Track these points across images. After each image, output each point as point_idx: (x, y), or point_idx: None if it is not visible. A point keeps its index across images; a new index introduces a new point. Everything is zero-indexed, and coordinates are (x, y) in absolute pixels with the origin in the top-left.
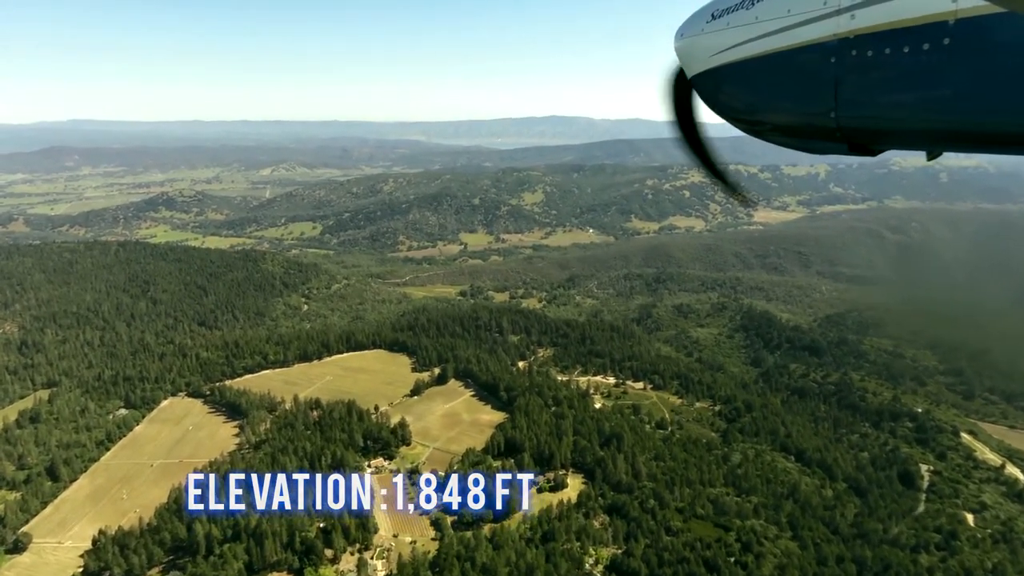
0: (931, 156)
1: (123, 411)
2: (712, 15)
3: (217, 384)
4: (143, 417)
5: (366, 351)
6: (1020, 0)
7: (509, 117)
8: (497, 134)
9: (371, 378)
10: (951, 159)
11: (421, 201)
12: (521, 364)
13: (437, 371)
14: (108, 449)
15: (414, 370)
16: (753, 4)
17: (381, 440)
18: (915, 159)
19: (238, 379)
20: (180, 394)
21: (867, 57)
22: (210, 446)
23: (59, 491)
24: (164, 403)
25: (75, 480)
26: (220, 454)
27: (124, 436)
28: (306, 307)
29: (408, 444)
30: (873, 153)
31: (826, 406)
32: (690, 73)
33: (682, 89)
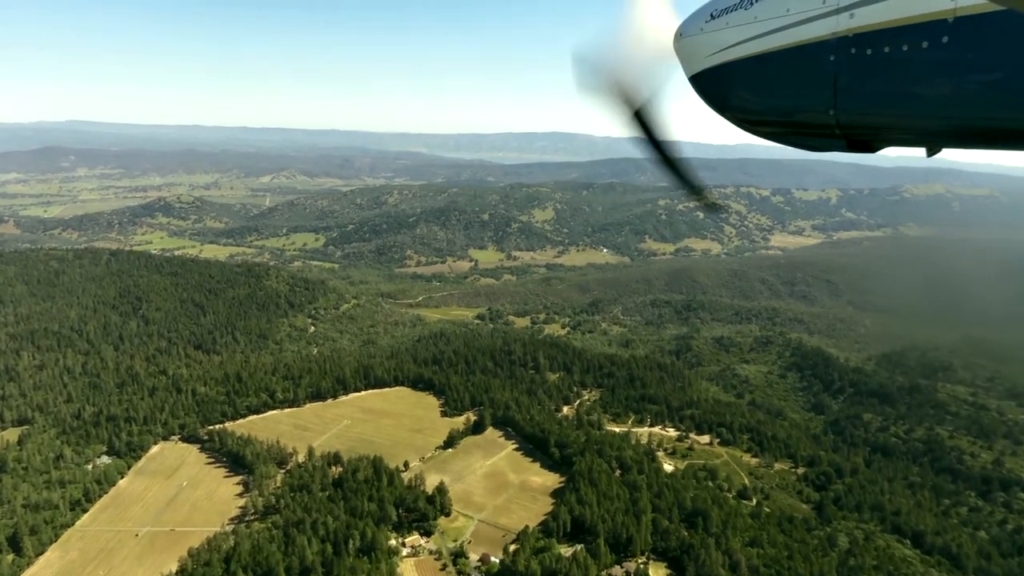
0: (930, 152)
1: (105, 459)
2: (711, 15)
3: (217, 427)
4: (128, 468)
5: (387, 388)
6: None
7: (510, 132)
8: (499, 148)
9: (395, 424)
10: (962, 188)
11: (428, 215)
12: (566, 409)
13: (472, 418)
14: (85, 511)
15: (444, 414)
16: (752, 4)
17: (416, 511)
18: (926, 187)
19: (241, 420)
20: (173, 438)
21: (866, 55)
22: (208, 509)
23: (21, 569)
24: (154, 449)
25: (42, 554)
26: (221, 525)
27: (105, 492)
28: (313, 329)
29: (448, 515)
30: (872, 150)
31: (919, 469)
32: (689, 73)
33: (640, 111)
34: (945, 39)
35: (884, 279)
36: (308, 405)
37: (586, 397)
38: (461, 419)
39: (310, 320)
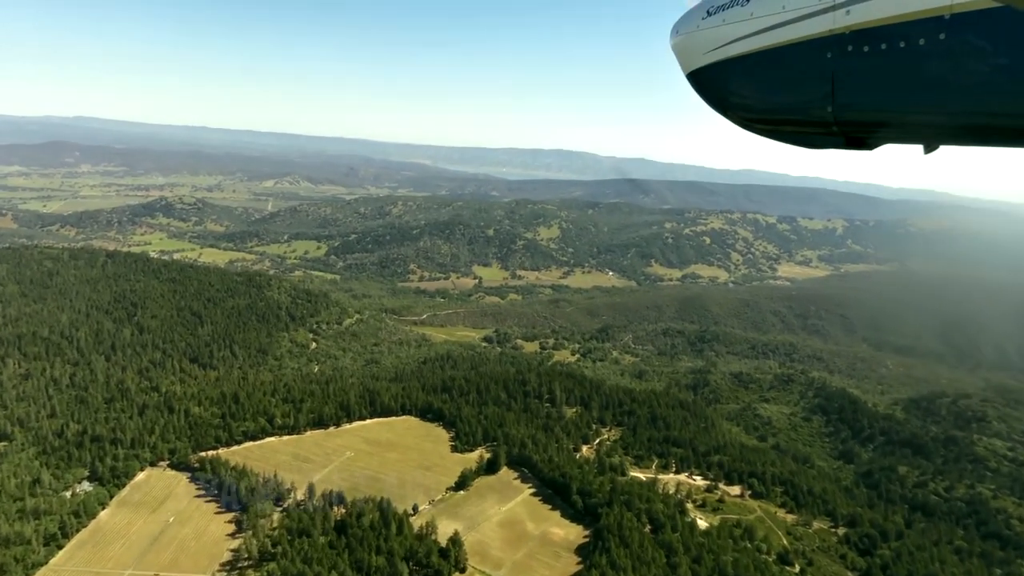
0: (928, 150)
1: (87, 485)
2: (707, 12)
3: (209, 453)
4: (111, 497)
5: (393, 418)
6: None
7: (515, 147)
8: (503, 163)
9: (402, 458)
10: (973, 224)
11: (432, 228)
12: (585, 449)
13: (486, 455)
14: (61, 547)
15: (454, 449)
16: (748, 0)
17: (429, 566)
18: (933, 221)
19: (236, 447)
20: (161, 464)
21: (863, 52)
22: (196, 551)
23: None
24: (140, 476)
25: None
26: (210, 571)
27: (84, 526)
28: (314, 345)
29: (463, 571)
30: (869, 147)
31: (964, 532)
32: (686, 70)
33: None
34: (942, 35)
35: (898, 316)
36: (309, 433)
37: (606, 436)
38: (473, 456)
39: (312, 335)
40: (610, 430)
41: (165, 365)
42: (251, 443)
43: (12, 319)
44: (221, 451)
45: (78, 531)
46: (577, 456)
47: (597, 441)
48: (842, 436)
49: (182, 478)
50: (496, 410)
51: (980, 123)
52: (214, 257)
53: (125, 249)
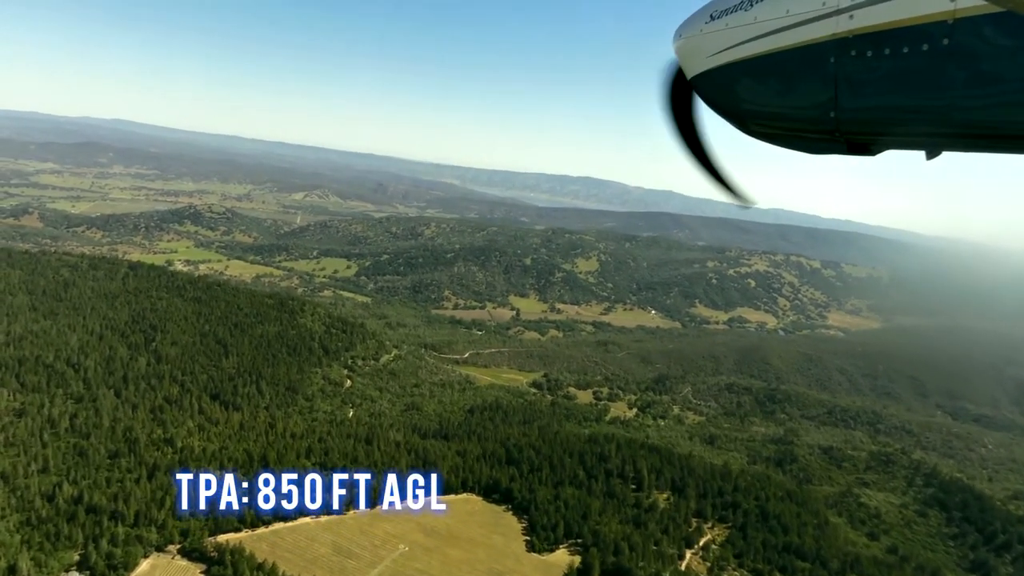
0: (930, 156)
1: None
2: (711, 16)
3: (230, 538)
4: None
5: (453, 496)
6: (1019, 0)
7: (543, 172)
8: (531, 188)
9: (468, 558)
10: (1014, 275)
11: (467, 253)
12: (689, 555)
13: (575, 562)
14: None
15: (531, 547)
16: (752, 5)
17: None
18: (976, 270)
19: (263, 529)
20: (169, 549)
21: (866, 57)
22: None
23: None
24: (142, 566)
25: None
26: None
27: None
28: (349, 383)
29: None
30: (872, 153)
31: None
32: (689, 74)
33: (681, 88)
34: (945, 41)
35: (967, 379)
36: (352, 512)
37: (710, 536)
38: (556, 559)
39: (346, 372)
40: (713, 527)
41: (182, 403)
42: (281, 524)
43: (16, 338)
44: (244, 534)
45: None
46: (682, 566)
47: (702, 543)
48: (970, 541)
49: (195, 572)
50: (575, 493)
51: (983, 129)
52: (241, 271)
53: (150, 256)
